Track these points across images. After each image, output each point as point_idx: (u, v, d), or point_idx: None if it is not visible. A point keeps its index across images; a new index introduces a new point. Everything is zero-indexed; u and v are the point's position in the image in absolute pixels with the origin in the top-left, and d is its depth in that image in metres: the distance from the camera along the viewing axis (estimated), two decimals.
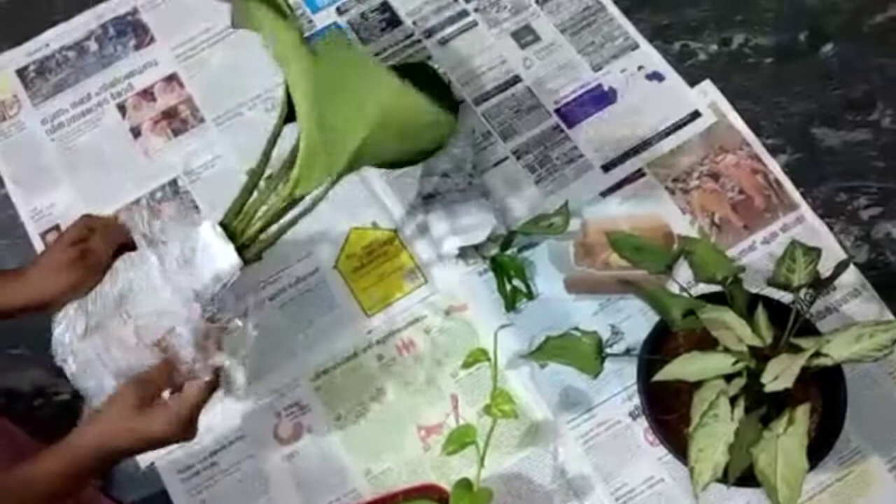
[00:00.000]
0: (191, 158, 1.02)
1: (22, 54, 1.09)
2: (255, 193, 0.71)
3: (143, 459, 0.87)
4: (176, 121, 1.04)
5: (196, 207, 0.99)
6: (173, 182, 1.00)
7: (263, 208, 0.70)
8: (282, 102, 0.73)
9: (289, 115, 0.72)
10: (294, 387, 0.90)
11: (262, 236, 0.70)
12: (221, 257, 0.66)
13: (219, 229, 0.68)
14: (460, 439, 0.79)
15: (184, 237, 0.67)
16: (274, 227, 0.71)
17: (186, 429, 0.68)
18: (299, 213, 0.71)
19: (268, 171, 0.73)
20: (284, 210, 0.70)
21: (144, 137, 1.03)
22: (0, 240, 1.03)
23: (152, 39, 1.09)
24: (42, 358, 0.96)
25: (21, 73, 1.08)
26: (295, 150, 0.70)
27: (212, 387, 0.68)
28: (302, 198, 0.71)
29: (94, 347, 0.65)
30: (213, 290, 0.66)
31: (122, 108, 1.05)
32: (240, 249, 0.67)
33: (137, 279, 0.67)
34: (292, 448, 0.87)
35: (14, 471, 0.64)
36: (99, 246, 0.69)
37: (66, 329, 0.66)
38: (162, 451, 0.86)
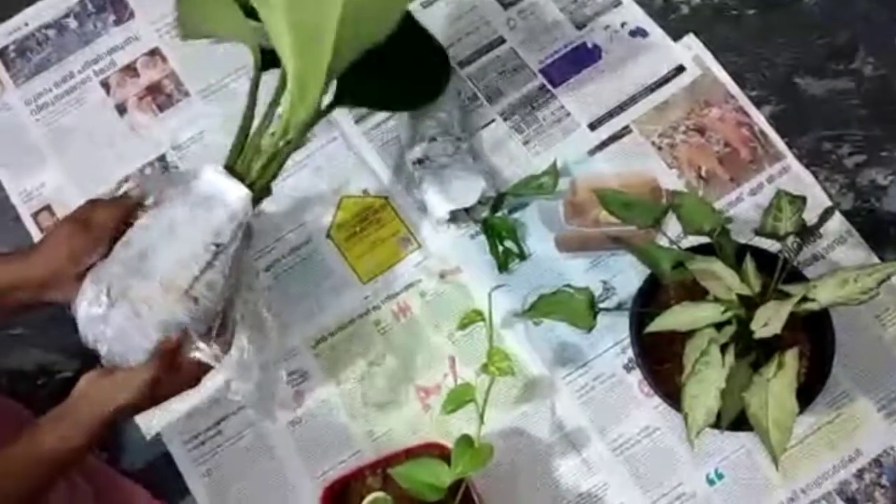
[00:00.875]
0: (178, 133, 1.02)
1: (1, 34, 1.08)
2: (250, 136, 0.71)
3: (149, 429, 0.88)
4: (161, 96, 1.04)
5: None
6: (162, 157, 1.01)
7: (264, 142, 0.70)
8: (253, 51, 0.72)
9: (265, 63, 0.72)
10: (294, 355, 0.91)
11: (267, 170, 0.70)
12: (230, 194, 0.66)
13: (221, 169, 0.68)
14: (459, 398, 0.80)
15: (189, 190, 0.67)
16: (275, 162, 0.71)
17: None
18: (297, 138, 0.72)
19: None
20: (285, 144, 0.70)
21: (130, 114, 1.03)
22: None
23: (132, 14, 1.08)
24: (41, 338, 0.97)
25: (1, 53, 1.07)
26: (280, 89, 0.71)
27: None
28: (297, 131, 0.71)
29: (122, 315, 0.65)
30: (231, 230, 0.66)
31: (105, 86, 1.05)
32: (249, 187, 0.68)
33: (153, 238, 0.66)
34: (295, 415, 0.89)
35: (20, 441, 0.65)
36: (102, 216, 0.69)
37: (91, 304, 0.65)
38: (164, 421, 0.89)
